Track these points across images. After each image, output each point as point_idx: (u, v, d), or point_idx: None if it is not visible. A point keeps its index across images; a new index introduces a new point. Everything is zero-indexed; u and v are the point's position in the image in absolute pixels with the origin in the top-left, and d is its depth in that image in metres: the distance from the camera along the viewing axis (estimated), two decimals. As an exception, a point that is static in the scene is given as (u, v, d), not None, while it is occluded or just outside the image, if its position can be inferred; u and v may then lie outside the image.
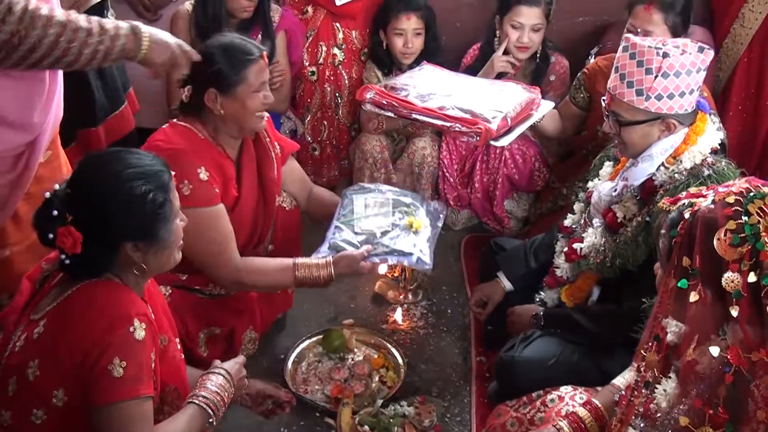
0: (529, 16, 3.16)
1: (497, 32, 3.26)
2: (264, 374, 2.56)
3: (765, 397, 1.43)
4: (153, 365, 1.68)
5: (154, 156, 1.77)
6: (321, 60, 3.46)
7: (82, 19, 1.79)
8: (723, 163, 2.16)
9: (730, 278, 1.45)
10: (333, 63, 3.47)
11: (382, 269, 2.81)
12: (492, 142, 2.61)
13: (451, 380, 2.68)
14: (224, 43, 2.31)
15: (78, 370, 1.60)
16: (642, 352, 1.61)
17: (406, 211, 2.56)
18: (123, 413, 1.61)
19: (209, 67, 2.26)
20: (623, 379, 1.94)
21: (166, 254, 1.76)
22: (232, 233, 2.34)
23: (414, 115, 2.64)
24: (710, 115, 2.31)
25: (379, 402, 2.47)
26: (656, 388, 1.57)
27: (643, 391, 1.59)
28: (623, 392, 1.73)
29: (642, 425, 1.59)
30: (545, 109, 2.87)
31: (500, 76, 3.22)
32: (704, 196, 1.55)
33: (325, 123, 3.57)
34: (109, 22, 1.86)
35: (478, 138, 2.53)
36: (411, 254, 2.40)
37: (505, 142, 2.64)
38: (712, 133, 2.21)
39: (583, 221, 2.45)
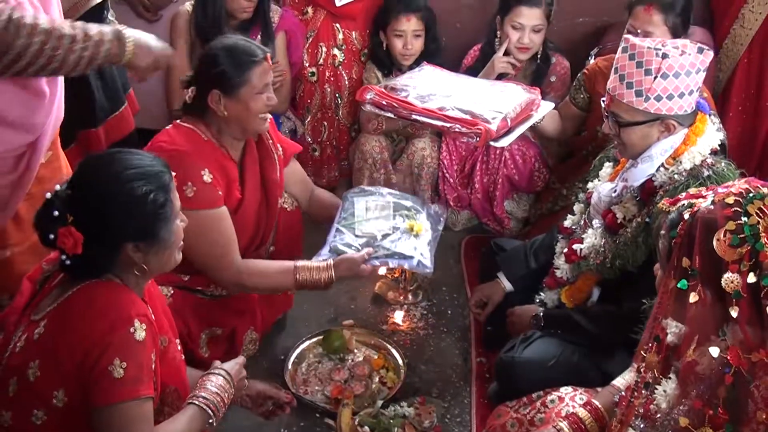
0: (530, 16, 3.16)
1: (498, 33, 3.26)
2: (264, 375, 2.57)
3: (765, 397, 1.43)
4: (153, 366, 1.69)
5: (154, 156, 1.77)
6: (321, 61, 3.46)
7: (66, 26, 1.80)
8: (722, 164, 2.16)
9: (729, 279, 1.45)
10: (333, 64, 3.47)
11: (382, 270, 2.81)
12: (492, 143, 2.61)
13: (451, 381, 2.68)
14: (228, 44, 2.31)
15: (78, 370, 1.60)
16: (642, 352, 1.61)
17: (407, 215, 2.57)
18: (123, 414, 1.62)
19: (213, 68, 2.27)
20: (623, 379, 1.94)
21: (167, 255, 1.76)
22: (234, 235, 2.34)
23: (414, 116, 2.64)
24: (710, 115, 2.31)
25: (379, 403, 2.47)
26: (656, 389, 1.57)
27: (643, 391, 1.59)
28: (623, 393, 1.73)
29: (642, 426, 1.59)
30: (545, 109, 2.87)
31: (501, 77, 3.22)
32: (704, 197, 1.56)
33: (325, 124, 3.57)
34: (94, 27, 1.86)
35: (477, 139, 2.53)
36: (412, 257, 2.41)
37: (505, 142, 2.64)
38: (711, 134, 2.21)
39: (582, 222, 2.45)
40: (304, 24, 3.44)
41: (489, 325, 2.75)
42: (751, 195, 1.50)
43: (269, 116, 2.43)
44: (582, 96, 3.09)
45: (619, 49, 2.21)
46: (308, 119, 3.56)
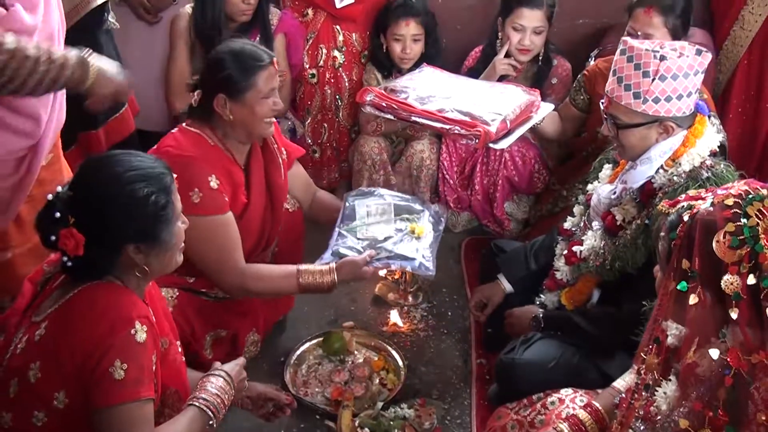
0: (531, 18, 3.16)
1: (499, 34, 3.26)
2: (264, 377, 2.57)
3: (765, 399, 1.43)
4: (154, 368, 1.69)
5: (155, 158, 1.78)
6: (321, 62, 3.47)
7: (30, 48, 1.79)
8: (722, 166, 2.16)
9: (729, 280, 1.45)
10: (333, 65, 3.48)
11: (383, 272, 2.81)
12: (491, 145, 2.61)
13: (451, 382, 2.68)
14: (235, 48, 2.31)
15: (79, 372, 1.61)
16: (642, 354, 1.61)
17: (407, 218, 2.57)
18: (124, 415, 1.62)
19: (219, 72, 2.27)
20: (623, 381, 1.94)
21: (168, 256, 1.77)
22: (239, 240, 2.35)
23: (413, 118, 2.64)
24: (710, 117, 2.31)
25: (380, 404, 2.47)
26: (656, 391, 1.57)
27: (643, 393, 1.59)
28: (623, 395, 1.73)
29: (642, 428, 1.59)
30: (545, 111, 2.87)
31: (502, 78, 3.22)
32: (703, 199, 1.56)
33: (326, 125, 3.57)
34: (58, 51, 1.86)
35: (477, 140, 2.53)
36: (414, 259, 2.41)
37: (504, 144, 2.64)
38: (710, 136, 2.21)
39: (582, 224, 2.46)
40: (304, 26, 3.44)
41: (489, 327, 2.75)
42: (750, 196, 1.50)
43: (274, 120, 2.43)
44: (582, 97, 3.09)
45: (617, 51, 2.21)
46: (308, 121, 3.56)
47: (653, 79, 2.11)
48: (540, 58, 3.29)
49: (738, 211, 1.48)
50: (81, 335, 1.62)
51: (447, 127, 2.58)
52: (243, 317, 2.55)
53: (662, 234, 1.59)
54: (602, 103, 2.26)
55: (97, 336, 1.61)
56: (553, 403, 2.09)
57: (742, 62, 3.34)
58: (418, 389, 2.63)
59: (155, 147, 2.32)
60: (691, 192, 1.65)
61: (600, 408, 1.92)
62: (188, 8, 3.19)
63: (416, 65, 3.25)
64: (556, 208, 3.22)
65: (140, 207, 1.67)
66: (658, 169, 2.20)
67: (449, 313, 3.01)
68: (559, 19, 3.26)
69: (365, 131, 3.43)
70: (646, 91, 2.12)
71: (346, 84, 3.50)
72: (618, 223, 2.27)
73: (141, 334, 1.64)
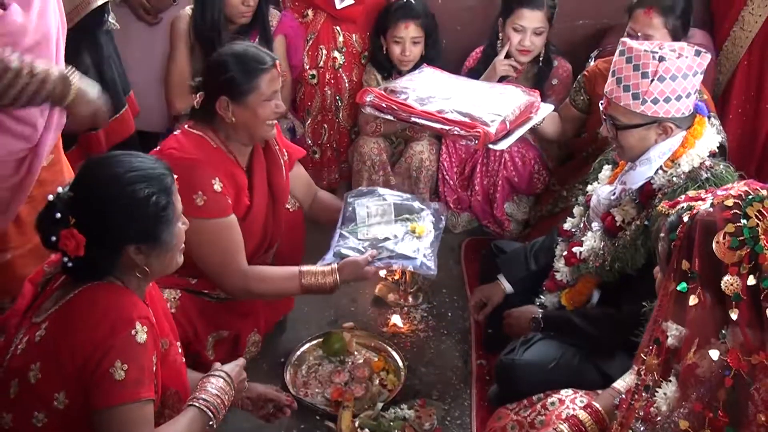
0: (531, 19, 3.16)
1: (500, 35, 3.26)
2: (264, 377, 2.57)
3: (765, 400, 1.43)
4: (154, 368, 1.69)
5: (156, 159, 1.78)
6: (321, 63, 3.47)
7: (14, 59, 1.78)
8: (721, 166, 2.16)
9: (729, 281, 1.45)
10: (333, 66, 3.48)
11: (383, 272, 2.81)
12: (490, 146, 2.61)
13: (451, 383, 2.68)
14: (238, 51, 2.32)
15: (79, 373, 1.61)
16: (642, 355, 1.61)
17: (408, 218, 2.58)
18: (124, 416, 1.62)
19: (222, 74, 2.27)
20: (624, 382, 1.94)
21: (169, 257, 1.77)
22: (242, 243, 2.35)
23: (413, 119, 2.65)
24: (710, 117, 2.31)
25: (380, 405, 2.47)
26: (656, 392, 1.57)
27: (643, 394, 1.59)
28: (624, 396, 1.74)
29: (642, 429, 1.59)
30: (545, 112, 2.87)
31: (502, 79, 3.22)
32: (703, 200, 1.56)
33: (326, 126, 3.57)
34: (41, 65, 1.84)
35: (476, 141, 2.53)
36: (415, 258, 2.41)
37: (503, 145, 2.64)
38: (710, 136, 2.21)
39: (582, 225, 2.46)
40: (304, 27, 3.44)
41: (489, 328, 2.76)
42: (750, 197, 1.50)
43: (276, 122, 2.44)
44: (582, 98, 3.09)
45: (617, 52, 2.21)
46: (308, 122, 3.56)
47: (652, 80, 2.11)
48: (541, 59, 3.29)
49: (738, 212, 1.48)
50: (81, 336, 1.62)
51: (446, 127, 2.58)
52: (244, 318, 2.56)
53: (662, 235, 1.59)
54: (601, 104, 2.26)
55: (98, 336, 1.61)
56: (553, 403, 2.09)
57: (742, 63, 3.34)
58: (418, 390, 2.63)
59: (158, 148, 2.32)
60: (691, 193, 1.65)
61: (600, 409, 1.92)
62: (188, 10, 3.19)
63: (416, 66, 3.25)
64: (556, 208, 3.22)
65: (141, 208, 1.67)
66: (658, 170, 2.20)
67: (449, 314, 3.01)
68: (559, 19, 3.26)
69: (364, 132, 3.44)
70: (645, 92, 2.12)
71: (346, 85, 3.51)
72: (617, 224, 2.27)
73: (141, 334, 1.64)
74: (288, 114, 3.56)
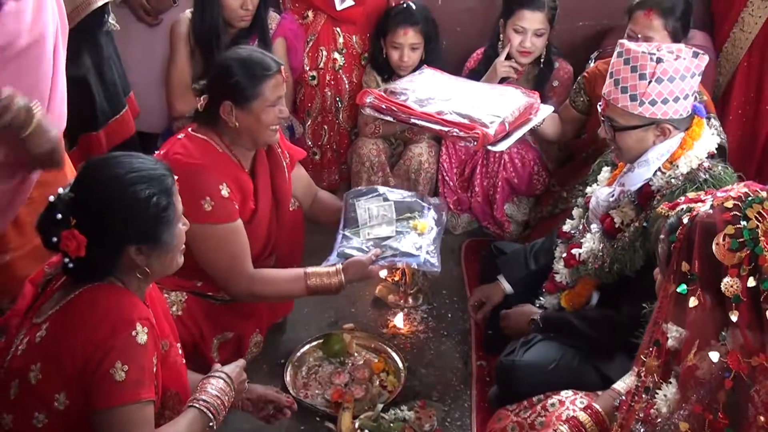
0: (532, 20, 3.15)
1: (501, 36, 3.26)
2: (264, 378, 2.57)
3: (765, 402, 1.43)
4: (154, 369, 1.69)
5: (156, 160, 1.78)
6: (321, 64, 3.47)
7: None
8: (719, 168, 2.16)
9: (729, 283, 1.45)
10: (333, 67, 3.48)
11: (383, 273, 2.81)
12: (490, 147, 2.62)
13: (451, 384, 2.68)
14: (243, 56, 2.31)
15: (80, 373, 1.61)
16: (642, 357, 1.61)
17: (409, 216, 2.58)
18: (124, 417, 1.62)
19: (227, 79, 2.27)
20: (624, 383, 1.94)
21: (169, 258, 1.77)
22: (248, 247, 2.36)
23: (412, 120, 2.65)
24: (710, 119, 2.31)
25: (380, 406, 2.47)
26: (657, 394, 1.57)
27: (643, 396, 1.59)
28: (624, 397, 1.74)
29: (642, 430, 1.59)
30: (544, 113, 2.87)
31: (503, 80, 3.22)
32: (703, 201, 1.55)
33: (326, 127, 3.57)
34: (7, 91, 1.82)
35: (475, 143, 2.54)
36: (418, 256, 2.42)
37: (503, 146, 2.65)
38: (708, 138, 2.21)
39: (581, 226, 2.46)
40: (304, 28, 3.44)
41: (489, 329, 2.75)
42: (750, 199, 1.50)
43: (278, 127, 2.44)
44: (582, 99, 3.10)
45: (614, 53, 2.21)
46: (309, 123, 3.56)
47: (650, 82, 2.11)
48: (542, 60, 3.29)
49: (738, 213, 1.48)
50: (82, 336, 1.62)
51: (445, 129, 2.58)
52: (247, 319, 2.57)
53: (662, 237, 1.59)
54: (599, 105, 2.26)
55: (98, 337, 1.61)
56: (553, 405, 2.09)
57: (742, 64, 3.35)
58: (418, 391, 2.63)
59: (163, 153, 2.32)
60: (691, 194, 1.65)
61: (600, 410, 1.92)
62: (188, 13, 3.19)
63: (415, 70, 3.24)
64: (556, 209, 3.22)
65: (141, 208, 1.67)
66: (656, 171, 2.20)
67: (449, 315, 3.01)
68: (559, 21, 3.26)
69: (363, 133, 3.44)
70: (643, 93, 2.12)
71: (347, 86, 3.51)
72: (616, 226, 2.27)
73: (142, 335, 1.64)
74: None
